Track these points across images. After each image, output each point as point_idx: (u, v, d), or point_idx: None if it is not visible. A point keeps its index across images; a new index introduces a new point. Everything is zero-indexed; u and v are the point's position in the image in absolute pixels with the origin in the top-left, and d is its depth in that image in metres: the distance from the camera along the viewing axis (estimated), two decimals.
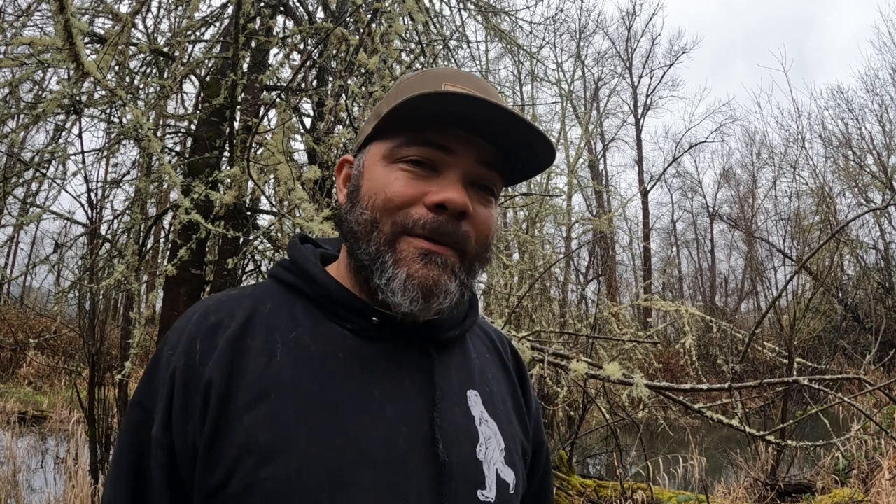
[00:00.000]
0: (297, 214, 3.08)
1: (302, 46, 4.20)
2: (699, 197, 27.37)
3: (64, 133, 4.42)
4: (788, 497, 5.52)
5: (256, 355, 0.65)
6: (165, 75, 4.36)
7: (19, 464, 5.30)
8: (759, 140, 25.60)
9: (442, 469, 0.64)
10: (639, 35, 26.21)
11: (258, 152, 3.99)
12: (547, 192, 9.15)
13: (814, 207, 16.56)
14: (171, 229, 4.05)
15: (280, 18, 4.65)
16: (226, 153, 4.05)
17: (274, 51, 4.47)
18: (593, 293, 11.46)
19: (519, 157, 0.71)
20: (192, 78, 4.67)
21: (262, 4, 4.02)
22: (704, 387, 2.59)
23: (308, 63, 3.60)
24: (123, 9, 4.27)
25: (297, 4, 4.43)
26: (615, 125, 25.14)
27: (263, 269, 4.26)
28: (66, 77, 3.75)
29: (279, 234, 3.75)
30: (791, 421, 5.65)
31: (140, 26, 4.26)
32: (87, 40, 3.68)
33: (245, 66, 3.85)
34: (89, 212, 4.10)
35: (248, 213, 3.77)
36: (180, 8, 4.39)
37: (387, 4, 3.00)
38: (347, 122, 3.31)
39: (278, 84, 4.13)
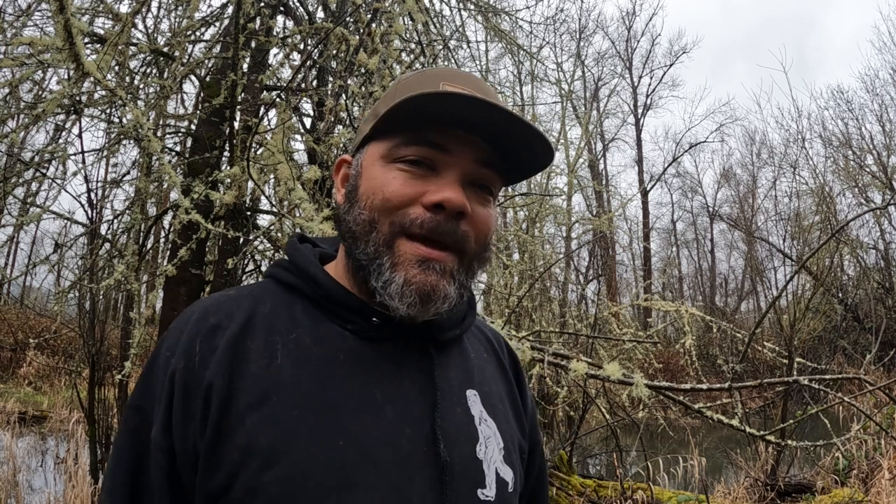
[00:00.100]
0: (297, 214, 3.08)
1: (302, 46, 4.20)
2: (699, 197, 27.40)
3: (64, 133, 4.43)
4: (788, 497, 5.52)
5: (257, 357, 0.64)
6: (165, 75, 4.36)
7: (19, 464, 5.29)
8: (759, 140, 25.62)
9: (444, 469, 0.65)
10: (639, 35, 26.22)
11: (258, 152, 3.99)
12: (547, 192, 9.15)
13: (814, 207, 16.56)
14: (171, 229, 4.05)
15: (280, 18, 4.65)
16: (226, 153, 4.05)
17: (274, 51, 4.48)
18: (593, 293, 11.46)
19: (518, 157, 0.71)
20: (192, 78, 4.67)
21: (262, 4, 4.02)
22: (704, 387, 2.59)
23: (308, 63, 3.60)
24: (123, 9, 4.27)
25: (297, 4, 4.43)
26: (615, 125, 25.16)
27: (263, 269, 4.26)
28: (66, 77, 3.75)
29: (279, 234, 3.75)
30: (791, 421, 5.65)
31: (140, 26, 4.26)
32: (87, 40, 3.68)
33: (245, 66, 3.85)
34: (89, 212, 4.11)
35: (248, 213, 3.77)
36: (180, 8, 4.39)
37: (387, 4, 3.00)
38: (347, 122, 3.31)
39: (278, 84, 4.13)
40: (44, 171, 4.42)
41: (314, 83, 3.97)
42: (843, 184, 16.76)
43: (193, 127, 4.57)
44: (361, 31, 3.09)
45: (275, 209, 3.91)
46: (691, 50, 36.38)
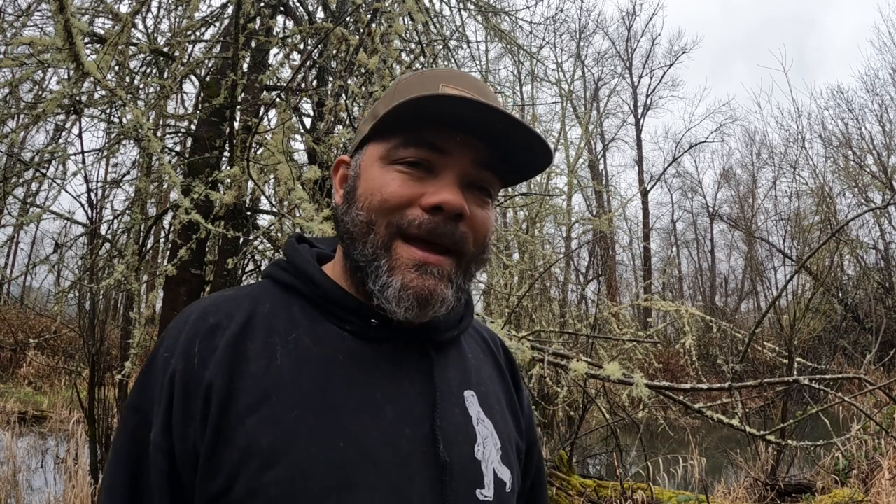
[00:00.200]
0: (297, 214, 3.08)
1: (302, 46, 4.20)
2: (699, 197, 27.39)
3: (64, 133, 4.43)
4: (788, 497, 5.52)
5: (256, 357, 0.64)
6: (165, 75, 4.37)
7: (19, 464, 5.30)
8: (759, 140, 25.62)
9: (443, 469, 0.65)
10: (639, 35, 26.20)
11: (258, 152, 3.99)
12: (547, 192, 9.15)
13: (814, 207, 16.56)
14: (171, 229, 4.05)
15: (280, 18, 4.65)
16: (226, 153, 4.05)
17: (274, 51, 4.48)
18: (593, 293, 11.46)
19: (518, 159, 0.71)
20: (192, 78, 4.67)
21: (262, 4, 4.02)
22: (704, 386, 2.59)
23: (308, 63, 3.60)
24: (123, 9, 4.27)
25: (297, 4, 4.43)
26: (615, 125, 25.16)
27: (263, 268, 4.26)
28: (66, 77, 3.75)
29: (279, 234, 3.75)
30: (791, 421, 5.65)
31: (140, 26, 4.26)
32: (87, 40, 3.68)
33: (245, 66, 3.85)
34: (89, 212, 4.10)
35: (248, 213, 3.77)
36: (180, 8, 4.39)
37: (387, 4, 3.00)
38: (347, 122, 3.31)
39: (278, 84, 4.13)
40: (44, 171, 4.42)
41: (314, 83, 3.97)
42: (843, 184, 16.77)
43: (193, 127, 4.57)
44: (361, 31, 3.09)
45: (275, 209, 3.91)
46: (691, 50, 36.38)
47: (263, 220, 4.76)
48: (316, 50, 3.66)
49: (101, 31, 3.81)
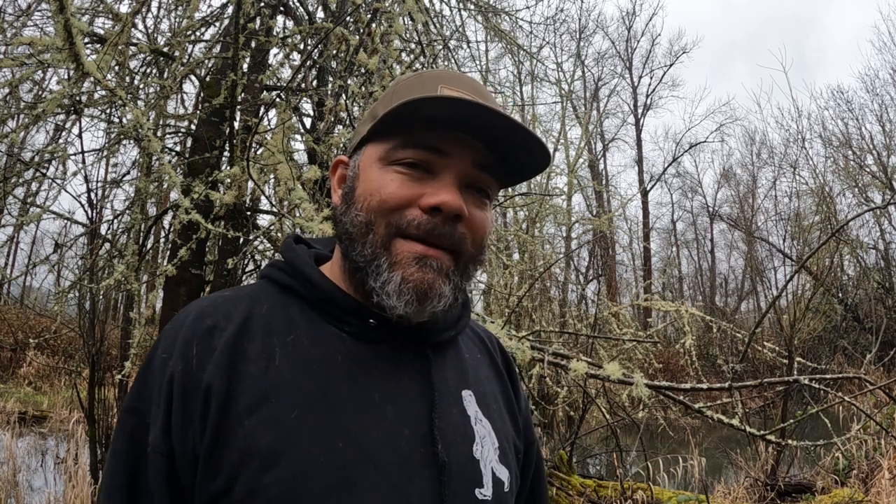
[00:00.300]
0: (297, 214, 3.08)
1: (302, 46, 4.20)
2: (699, 197, 27.39)
3: (64, 133, 4.43)
4: (788, 497, 5.52)
5: (255, 358, 0.64)
6: (165, 75, 4.37)
7: (19, 464, 5.30)
8: (759, 140, 25.62)
9: (442, 469, 0.65)
10: (639, 35, 26.20)
11: (258, 152, 3.99)
12: (547, 192, 9.15)
13: (814, 207, 16.56)
14: (171, 229, 4.05)
15: (280, 18, 4.65)
16: (226, 153, 4.05)
17: (274, 51, 4.48)
18: (593, 293, 11.46)
19: (517, 160, 0.71)
20: (192, 78, 4.67)
21: (262, 4, 4.02)
22: (704, 386, 2.59)
23: (308, 63, 3.60)
24: (123, 9, 4.27)
25: (297, 4, 4.43)
26: (615, 125, 25.16)
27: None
28: (66, 77, 3.75)
29: (279, 234, 3.75)
30: (791, 421, 5.65)
31: (140, 26, 4.26)
32: (87, 40, 3.68)
33: (245, 66, 3.85)
34: (89, 212, 4.10)
35: (248, 213, 3.77)
36: (180, 8, 4.39)
37: (387, 4, 3.00)
38: (347, 122, 3.31)
39: (278, 84, 4.13)
40: (44, 171, 4.42)
41: (314, 83, 3.97)
42: (843, 184, 16.77)
43: (193, 127, 4.57)
44: (361, 31, 3.09)
45: (275, 209, 3.91)
46: (691, 50, 36.39)
47: (263, 220, 4.76)
48: (316, 50, 3.66)
49: (101, 31, 3.81)
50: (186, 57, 4.30)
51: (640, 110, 25.37)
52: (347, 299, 0.70)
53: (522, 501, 0.86)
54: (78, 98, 3.74)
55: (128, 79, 4.12)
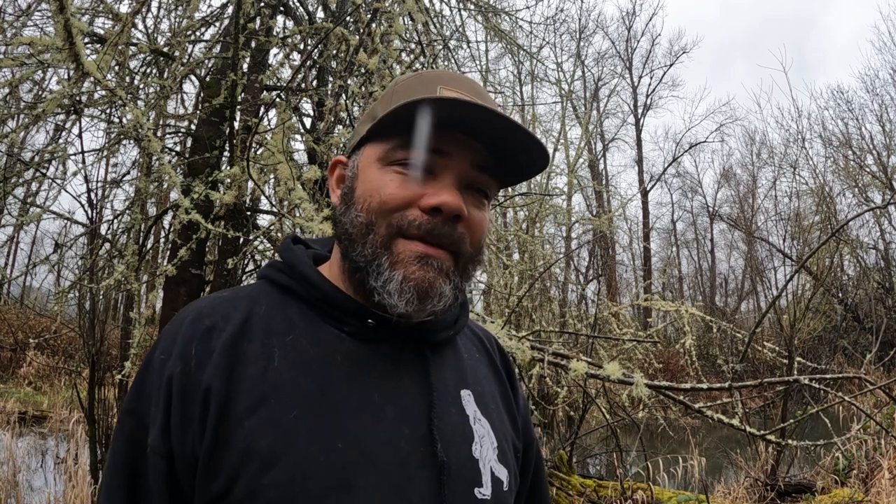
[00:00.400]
0: (297, 214, 3.08)
1: (302, 46, 4.20)
2: (699, 197, 27.38)
3: (64, 133, 4.43)
4: (788, 497, 5.52)
5: (254, 359, 0.64)
6: (165, 75, 4.37)
7: (19, 464, 5.30)
8: (759, 140, 25.61)
9: (441, 469, 0.65)
10: (639, 35, 26.19)
11: (258, 152, 3.99)
12: (547, 191, 9.15)
13: (814, 207, 16.56)
14: (171, 229, 4.05)
15: (280, 18, 4.65)
16: (226, 153, 4.05)
17: (274, 51, 4.48)
18: (593, 293, 11.46)
19: (515, 161, 0.71)
20: (192, 78, 4.67)
21: (262, 4, 4.02)
22: (704, 386, 2.59)
23: (308, 63, 3.60)
24: (123, 9, 4.27)
25: (297, 4, 4.43)
26: (615, 125, 25.16)
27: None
28: (66, 77, 3.75)
29: (279, 234, 3.75)
30: (791, 421, 5.65)
31: (140, 26, 4.26)
32: (87, 40, 3.68)
33: (245, 66, 3.85)
34: (89, 212, 4.10)
35: (248, 213, 3.77)
36: (180, 8, 4.39)
37: (387, 4, 3.00)
38: (347, 122, 3.31)
39: (278, 84, 4.13)
40: (44, 171, 4.42)
41: (314, 83, 3.97)
42: (843, 184, 16.76)
43: (193, 127, 4.57)
44: (361, 31, 3.09)
45: (275, 209, 3.91)
46: (691, 50, 36.38)
47: (263, 220, 4.76)
48: (316, 50, 3.66)
49: (101, 31, 3.81)
50: (186, 57, 4.30)
51: (640, 110, 25.38)
52: (346, 300, 0.70)
53: (523, 501, 0.85)
54: (78, 98, 3.74)
55: (128, 79, 4.12)
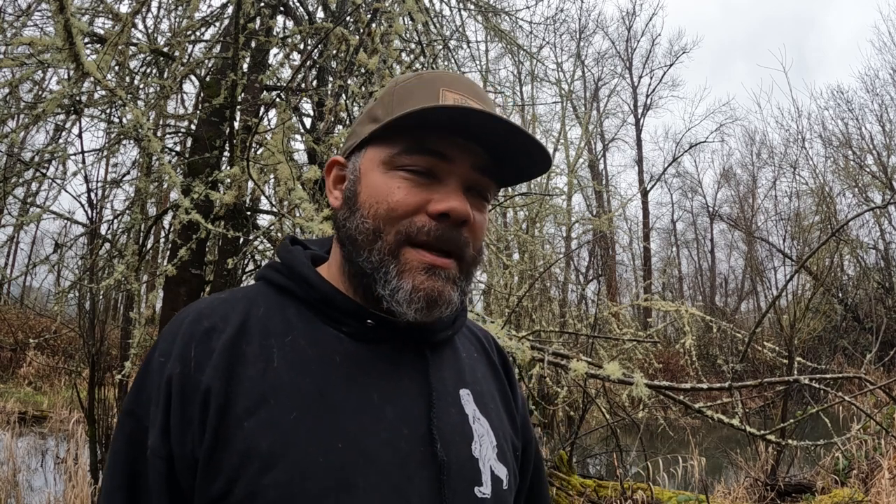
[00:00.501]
0: (297, 214, 3.08)
1: (302, 46, 4.20)
2: (699, 197, 27.38)
3: (64, 133, 4.43)
4: (788, 497, 5.52)
5: (254, 360, 0.65)
6: (165, 75, 4.37)
7: (19, 464, 5.30)
8: (759, 140, 25.60)
9: (441, 468, 0.65)
10: (639, 35, 26.18)
11: (258, 152, 3.99)
12: (547, 192, 9.15)
13: (814, 207, 16.56)
14: (171, 229, 4.05)
15: (280, 18, 4.65)
16: (226, 153, 4.05)
17: (274, 51, 4.48)
18: (593, 293, 11.46)
19: (516, 163, 0.72)
20: (192, 78, 4.67)
21: (262, 4, 4.02)
22: (704, 386, 2.59)
23: (308, 63, 3.60)
24: (123, 9, 4.27)
25: (297, 4, 4.43)
26: (615, 125, 25.15)
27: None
28: (66, 77, 3.75)
29: (279, 234, 3.75)
30: (791, 420, 5.65)
31: (140, 26, 4.26)
32: (87, 40, 3.68)
33: (245, 66, 3.85)
34: (89, 212, 4.10)
35: (248, 213, 3.77)
36: (180, 8, 4.39)
37: (387, 4, 3.00)
38: (347, 122, 3.31)
39: (278, 84, 4.13)
40: (44, 171, 4.42)
41: (314, 83, 3.97)
42: (843, 184, 16.76)
43: (193, 127, 4.57)
44: (361, 31, 3.09)
45: (275, 209, 3.91)
46: (691, 50, 36.37)
47: (263, 220, 4.76)
48: (316, 50, 3.66)
49: (101, 31, 3.81)
50: (186, 57, 4.30)
51: (640, 110, 25.38)
52: (346, 300, 0.70)
53: (523, 500, 0.86)
54: (78, 98, 3.74)
55: (128, 79, 4.12)
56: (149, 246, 4.68)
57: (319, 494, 0.59)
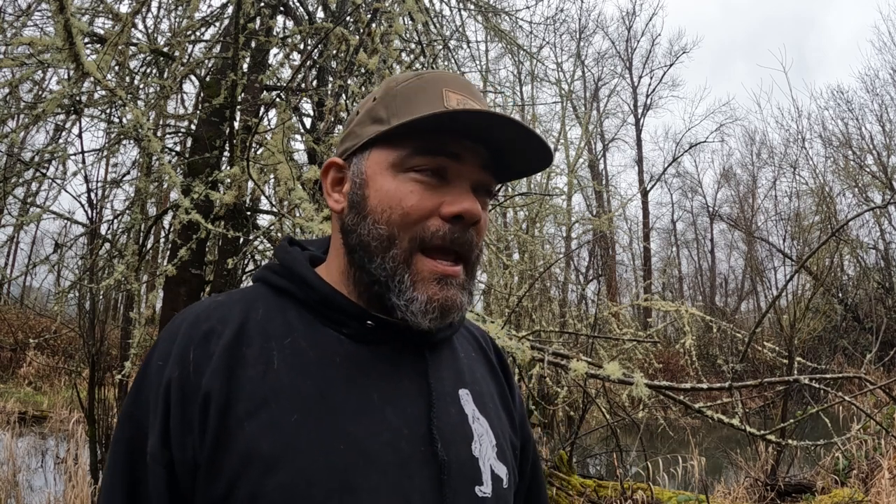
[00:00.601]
0: (297, 214, 3.08)
1: (302, 46, 4.20)
2: (699, 197, 27.37)
3: (64, 133, 4.43)
4: (788, 497, 5.52)
5: (253, 363, 0.64)
6: (165, 75, 4.37)
7: (19, 464, 5.30)
8: (759, 140, 25.58)
9: (442, 468, 0.65)
10: (639, 35, 26.17)
11: (258, 152, 3.99)
12: (547, 192, 9.15)
13: (814, 207, 16.55)
14: (171, 229, 4.06)
15: (280, 18, 4.65)
16: (226, 153, 4.05)
17: (274, 51, 4.48)
18: (593, 293, 11.46)
19: (519, 161, 0.73)
20: (192, 78, 4.68)
21: (262, 4, 4.02)
22: (704, 386, 2.59)
23: (308, 63, 3.60)
24: (123, 9, 4.27)
25: (297, 4, 4.43)
26: (615, 125, 25.15)
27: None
28: (66, 77, 3.75)
29: (279, 234, 3.75)
30: (791, 420, 5.65)
31: (140, 26, 4.27)
32: (87, 40, 3.68)
33: (245, 66, 3.85)
34: (89, 212, 4.10)
35: (248, 213, 3.77)
36: (180, 8, 4.39)
37: (387, 4, 3.00)
38: None
39: (278, 84, 4.14)
40: (44, 171, 4.42)
41: (314, 83, 3.97)
42: (843, 184, 16.75)
43: (193, 127, 4.57)
44: (361, 31, 3.09)
45: (275, 209, 3.91)
46: (691, 50, 36.38)
47: (263, 220, 4.76)
48: (316, 50, 3.66)
49: (101, 31, 3.81)
50: (186, 57, 4.30)
51: (640, 110, 25.37)
52: (347, 303, 0.70)
53: (521, 499, 0.86)
54: (78, 98, 3.74)
55: (128, 79, 4.12)
56: (149, 246, 4.68)
57: (323, 497, 0.59)
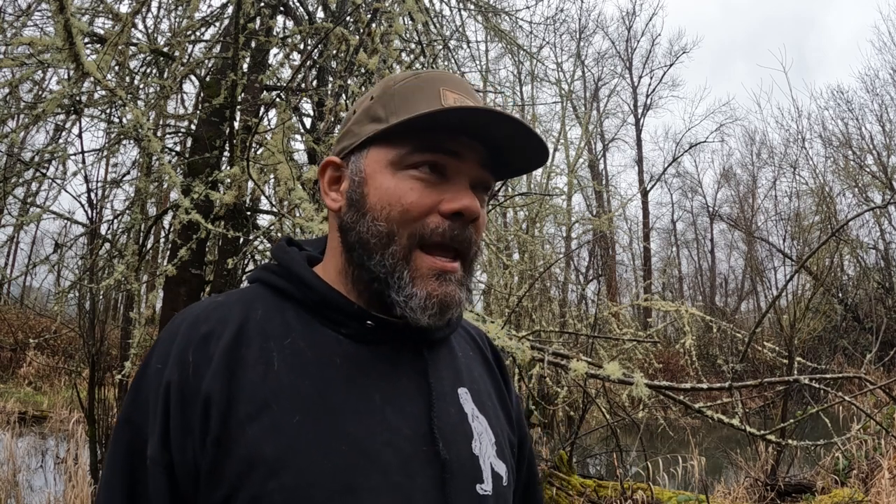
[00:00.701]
0: (297, 214, 3.08)
1: (302, 46, 4.20)
2: (699, 197, 27.37)
3: (64, 133, 4.43)
4: (788, 497, 5.52)
5: (253, 364, 0.64)
6: (165, 75, 4.37)
7: (19, 464, 5.30)
8: (759, 140, 25.58)
9: (443, 467, 0.65)
10: (639, 35, 26.16)
11: (258, 152, 3.99)
12: (547, 192, 9.15)
13: (814, 207, 16.55)
14: (171, 229, 4.06)
15: (280, 18, 4.66)
16: (226, 153, 4.05)
17: (274, 51, 4.48)
18: (593, 293, 11.46)
19: (516, 158, 0.73)
20: (192, 78, 4.68)
21: (262, 4, 4.02)
22: (704, 386, 2.59)
23: (308, 63, 3.60)
24: (123, 9, 4.27)
25: (297, 4, 4.43)
26: (615, 125, 25.15)
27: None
28: (66, 77, 3.75)
29: (279, 234, 3.75)
30: (791, 421, 5.65)
31: (140, 26, 4.27)
32: (87, 40, 3.68)
33: (245, 66, 3.85)
34: (89, 212, 4.10)
35: (248, 213, 3.77)
36: (180, 8, 4.40)
37: (387, 4, 3.00)
38: None
39: (278, 84, 4.14)
40: (44, 171, 4.42)
41: (314, 83, 3.97)
42: (843, 184, 16.75)
43: (193, 127, 4.57)
44: (361, 31, 3.09)
45: (275, 209, 3.91)
46: (691, 50, 36.36)
47: (263, 220, 4.76)
48: (316, 50, 3.66)
49: (101, 31, 3.82)
50: (186, 57, 4.31)
51: (640, 110, 25.37)
52: (346, 302, 0.70)
53: (518, 496, 0.86)
54: (78, 98, 3.74)
55: (128, 79, 4.12)
56: (149, 246, 4.68)
57: (324, 498, 0.59)
